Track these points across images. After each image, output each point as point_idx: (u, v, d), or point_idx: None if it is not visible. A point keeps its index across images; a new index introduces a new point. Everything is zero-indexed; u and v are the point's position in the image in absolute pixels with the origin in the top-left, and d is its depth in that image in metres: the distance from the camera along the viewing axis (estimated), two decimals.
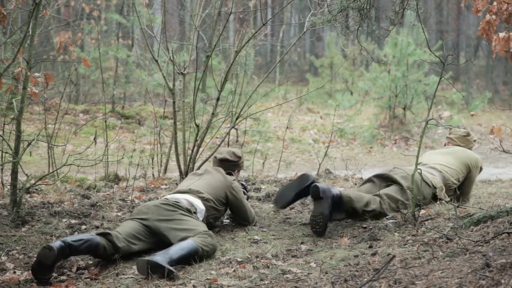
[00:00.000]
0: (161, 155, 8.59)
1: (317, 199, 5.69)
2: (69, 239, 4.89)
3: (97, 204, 6.50)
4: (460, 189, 6.43)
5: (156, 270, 4.66)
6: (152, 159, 8.38)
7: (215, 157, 6.29)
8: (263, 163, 9.63)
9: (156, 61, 7.90)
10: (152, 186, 7.56)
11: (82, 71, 14.87)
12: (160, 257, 4.78)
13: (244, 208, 6.04)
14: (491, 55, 9.01)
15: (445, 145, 6.92)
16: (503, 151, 6.22)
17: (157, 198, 6.59)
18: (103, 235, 5.03)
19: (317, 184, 5.72)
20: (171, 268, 4.67)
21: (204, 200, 5.71)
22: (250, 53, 10.66)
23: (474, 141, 6.89)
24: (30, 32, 5.93)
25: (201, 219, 5.60)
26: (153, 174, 8.26)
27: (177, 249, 4.98)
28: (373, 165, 11.87)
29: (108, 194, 7.03)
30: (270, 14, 20.87)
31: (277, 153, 11.32)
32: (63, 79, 10.23)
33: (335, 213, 5.80)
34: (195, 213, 5.55)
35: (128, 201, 6.71)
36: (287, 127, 10.80)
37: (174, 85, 7.89)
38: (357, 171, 8.49)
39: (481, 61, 24.38)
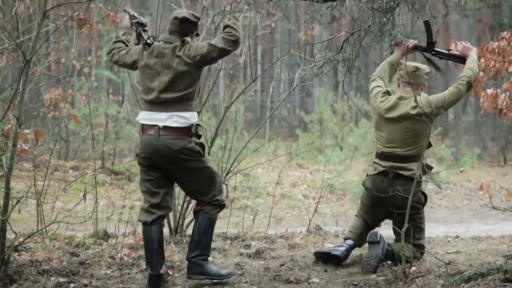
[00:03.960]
0: None
1: (373, 242, 6.08)
2: None
3: (86, 261, 6.44)
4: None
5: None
6: None
7: (176, 17, 5.80)
8: (253, 219, 9.59)
9: None
10: (142, 243, 7.50)
11: (72, 127, 14.86)
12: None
13: (208, 47, 5.70)
14: (479, 111, 9.06)
15: (398, 85, 6.52)
16: (493, 207, 6.23)
17: None
18: None
19: (375, 230, 6.17)
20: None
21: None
22: (240, 109, 10.72)
23: (426, 74, 6.41)
24: (21, 89, 5.95)
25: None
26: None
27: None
28: None
29: (97, 251, 6.97)
30: (260, 70, 21.03)
31: (267, 209, 11.29)
32: (53, 135, 10.22)
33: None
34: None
35: (118, 259, 6.65)
36: (277, 183, 10.79)
37: None
38: (347, 227, 8.46)
39: (470, 117, 24.54)
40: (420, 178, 6.23)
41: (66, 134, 15.03)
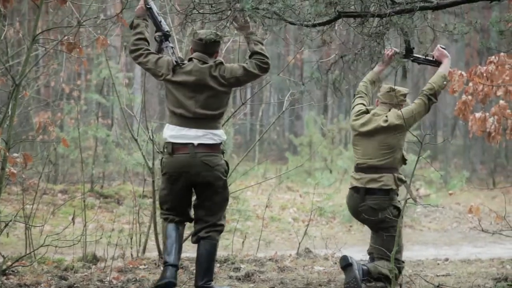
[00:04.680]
0: (140, 235, 8.51)
1: (346, 266, 6.03)
2: None
3: (75, 285, 6.40)
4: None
5: None
6: (131, 238, 8.31)
7: (201, 39, 5.88)
8: (243, 242, 9.57)
9: (136, 140, 7.92)
10: (131, 266, 7.48)
11: (61, 151, 14.84)
12: None
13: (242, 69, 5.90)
14: (468, 134, 9.11)
15: (376, 105, 6.65)
16: (482, 230, 6.25)
17: (136, 279, 6.52)
18: None
19: (344, 254, 6.11)
20: None
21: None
22: (230, 132, 10.71)
23: (403, 95, 6.53)
24: (10, 113, 5.95)
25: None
26: (131, 254, 8.17)
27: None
28: (353, 244, 11.83)
29: (85, 275, 6.94)
30: (249, 93, 21.07)
31: (257, 232, 11.28)
32: (42, 159, 10.21)
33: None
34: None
35: (106, 282, 6.62)
36: (267, 206, 10.78)
37: (153, 164, 7.90)
38: (337, 250, 8.46)
39: (459, 141, 24.64)
40: (392, 191, 6.31)
41: (55, 158, 15.00)
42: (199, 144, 5.77)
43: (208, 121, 5.82)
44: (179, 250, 5.90)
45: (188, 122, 5.81)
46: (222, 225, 5.92)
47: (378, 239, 6.23)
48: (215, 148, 5.82)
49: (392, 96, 6.46)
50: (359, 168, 6.42)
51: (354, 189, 6.41)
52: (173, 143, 5.82)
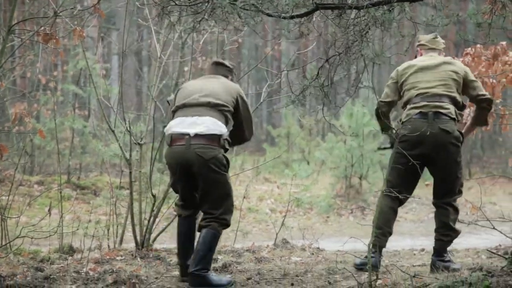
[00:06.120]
0: (117, 226, 8.50)
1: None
2: None
3: (51, 276, 6.37)
4: None
5: None
6: (108, 230, 8.29)
7: (213, 63, 6.25)
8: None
9: (113, 131, 7.89)
10: (108, 257, 7.46)
11: (37, 142, 14.77)
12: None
13: (251, 117, 6.16)
14: None
15: (416, 56, 6.75)
16: (458, 221, 6.29)
17: (112, 270, 6.50)
18: None
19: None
20: None
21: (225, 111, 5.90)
22: None
23: (443, 43, 6.72)
24: None
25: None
26: (108, 245, 8.16)
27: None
28: (330, 235, 11.88)
29: (62, 266, 6.91)
30: None
31: (234, 223, 11.25)
32: (18, 150, 10.14)
33: None
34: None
35: (83, 273, 6.59)
36: (244, 197, 10.79)
37: (130, 156, 7.88)
38: (314, 240, 8.49)
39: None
40: None
41: (31, 149, 14.93)
42: (196, 135, 5.72)
43: (210, 109, 5.83)
44: (191, 248, 5.98)
45: (189, 111, 5.85)
46: (225, 219, 5.84)
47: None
48: (213, 139, 5.75)
49: (438, 41, 6.63)
50: (420, 98, 6.42)
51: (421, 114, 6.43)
52: (172, 134, 5.84)
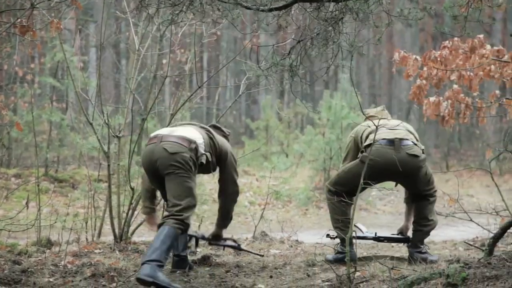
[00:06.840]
0: (95, 219, 8.47)
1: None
2: None
3: (28, 269, 6.34)
4: None
5: None
6: (86, 223, 8.26)
7: (210, 125, 6.46)
8: (199, 225, 9.57)
9: (91, 124, 7.86)
10: (86, 250, 7.44)
11: (14, 134, 14.67)
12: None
13: (235, 172, 6.52)
14: (422, 118, 9.21)
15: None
16: (436, 213, 6.33)
17: (91, 263, 6.49)
18: None
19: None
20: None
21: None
22: (186, 116, 10.65)
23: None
24: None
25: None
26: (86, 238, 8.13)
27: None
28: (309, 227, 11.91)
29: (40, 259, 6.88)
30: (205, 77, 21.02)
31: (213, 216, 11.26)
32: None
33: None
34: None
35: (61, 266, 6.57)
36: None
37: (109, 148, 7.85)
38: (293, 233, 8.51)
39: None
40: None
41: (8, 142, 14.82)
42: (169, 136, 5.92)
43: (195, 126, 6.21)
44: (185, 240, 6.38)
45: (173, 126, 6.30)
46: (181, 215, 5.76)
47: None
48: (183, 140, 5.90)
49: (387, 113, 6.98)
50: None
51: None
52: (150, 137, 6.09)
